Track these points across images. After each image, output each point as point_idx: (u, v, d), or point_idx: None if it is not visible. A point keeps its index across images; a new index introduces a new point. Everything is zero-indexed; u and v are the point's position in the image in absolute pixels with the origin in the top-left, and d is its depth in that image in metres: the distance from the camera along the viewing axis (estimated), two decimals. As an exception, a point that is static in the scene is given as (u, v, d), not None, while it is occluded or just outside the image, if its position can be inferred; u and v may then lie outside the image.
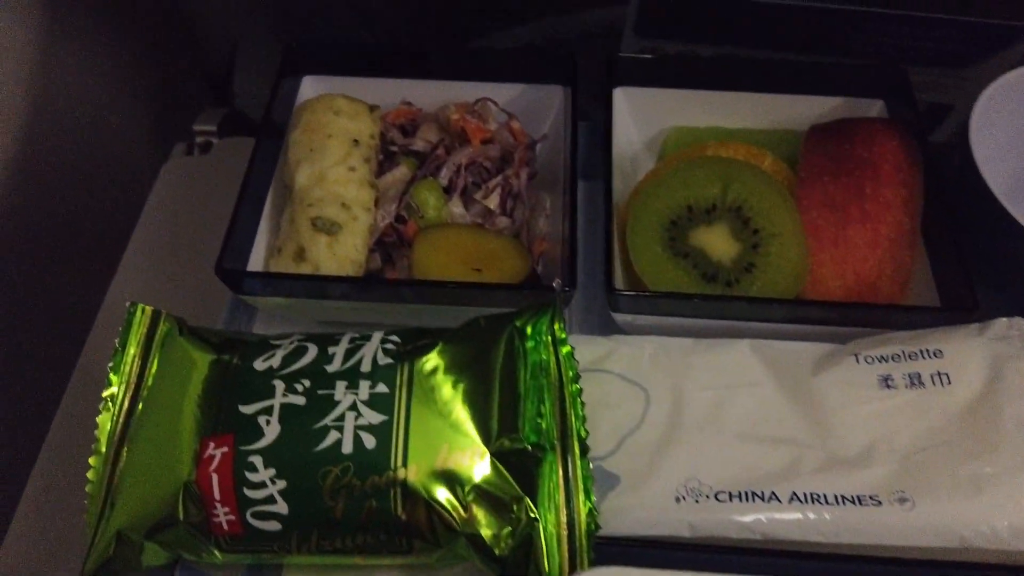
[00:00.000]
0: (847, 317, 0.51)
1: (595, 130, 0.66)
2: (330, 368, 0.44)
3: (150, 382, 0.47)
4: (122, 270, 0.64)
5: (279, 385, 0.44)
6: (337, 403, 0.43)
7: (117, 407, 0.47)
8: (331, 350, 0.45)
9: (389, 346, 0.45)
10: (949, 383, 0.46)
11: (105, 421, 0.46)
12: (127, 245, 0.65)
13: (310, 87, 0.64)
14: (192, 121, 0.76)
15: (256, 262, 0.55)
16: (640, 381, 0.49)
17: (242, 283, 0.51)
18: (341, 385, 0.43)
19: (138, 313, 0.49)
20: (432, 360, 0.44)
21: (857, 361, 0.48)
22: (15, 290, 0.66)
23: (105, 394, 0.47)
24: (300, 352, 0.45)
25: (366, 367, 0.44)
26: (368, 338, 0.46)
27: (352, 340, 0.45)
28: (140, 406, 0.47)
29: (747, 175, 0.55)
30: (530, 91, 0.64)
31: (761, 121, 0.64)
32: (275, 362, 0.45)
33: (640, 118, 0.65)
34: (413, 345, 0.45)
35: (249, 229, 0.55)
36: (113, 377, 0.47)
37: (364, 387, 0.43)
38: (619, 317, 0.53)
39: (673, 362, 0.50)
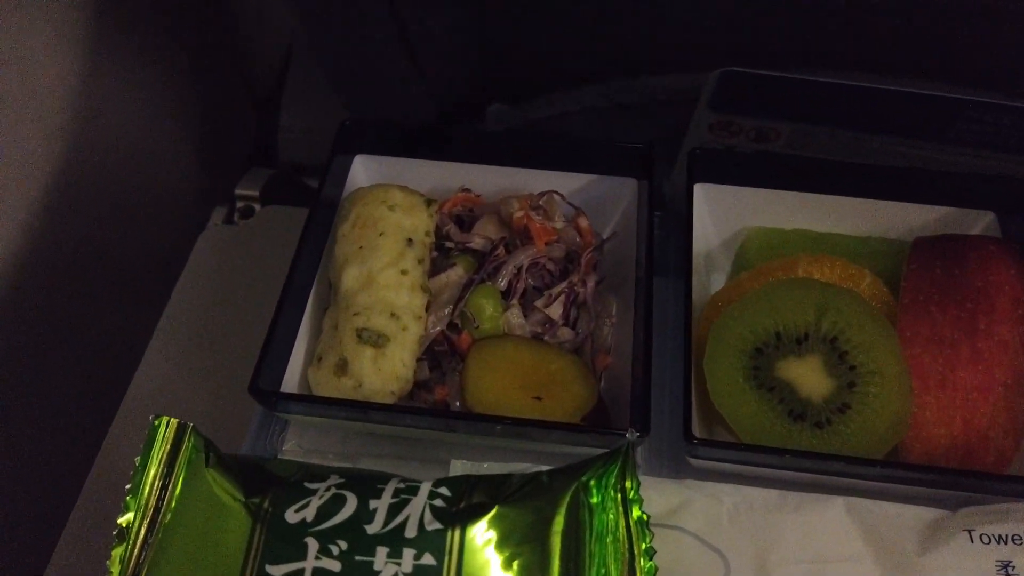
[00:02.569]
0: (959, 484, 0.45)
1: (660, 223, 0.61)
2: (370, 529, 0.39)
3: (169, 516, 0.43)
4: (150, 353, 0.59)
5: (312, 545, 0.38)
6: (377, 574, 0.37)
7: (133, 538, 0.42)
8: (372, 504, 0.40)
9: (438, 502, 0.40)
10: (1083, 578, 0.40)
11: (118, 554, 0.42)
12: (157, 322, 0.61)
13: (362, 168, 0.59)
14: (235, 182, 0.72)
15: (294, 367, 0.51)
16: (719, 546, 0.43)
17: (277, 404, 0.46)
18: (382, 552, 0.38)
19: (162, 428, 0.45)
20: (487, 527, 0.39)
21: (971, 539, 0.42)
22: (27, 385, 0.62)
23: (121, 520, 0.43)
24: (338, 503, 0.40)
25: (411, 531, 0.38)
26: (415, 490, 0.40)
27: (397, 493, 0.40)
28: (159, 536, 0.42)
29: (845, 302, 0.49)
30: (599, 183, 0.59)
31: (853, 227, 0.58)
32: (309, 514, 0.40)
33: (719, 215, 0.59)
34: (467, 503, 0.40)
35: (288, 336, 0.50)
36: (130, 501, 0.43)
37: (408, 557, 0.38)
38: (695, 461, 0.47)
39: (757, 523, 0.44)
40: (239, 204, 0.69)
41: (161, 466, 0.44)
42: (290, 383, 0.50)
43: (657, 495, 0.45)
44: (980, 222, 0.57)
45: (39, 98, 0.62)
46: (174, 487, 0.43)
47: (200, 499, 0.43)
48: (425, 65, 0.85)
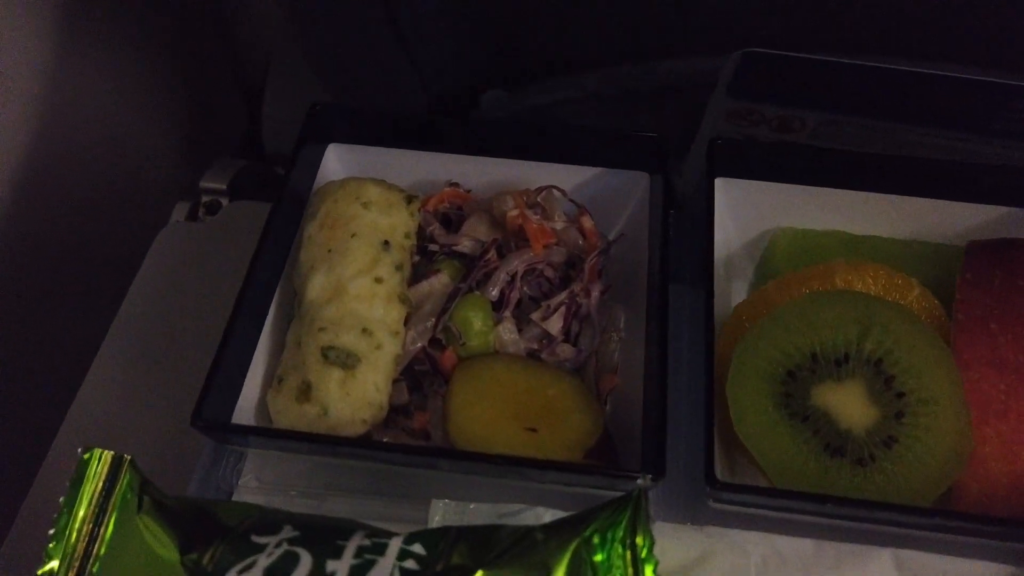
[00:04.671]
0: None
1: (674, 223, 0.54)
2: (327, 598, 0.32)
3: (97, 566, 0.36)
4: (95, 370, 0.52)
5: (256, 618, 0.32)
6: (333, 656, 0.31)
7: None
8: (331, 566, 0.33)
9: (409, 564, 0.33)
10: None
11: (39, 612, 0.36)
12: (104, 335, 0.54)
13: (336, 159, 0.52)
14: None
15: (252, 389, 0.44)
16: (746, 610, 0.36)
17: (226, 436, 0.40)
18: (340, 628, 0.31)
19: (94, 462, 0.38)
20: (468, 597, 0.32)
21: (1047, 605, 0.35)
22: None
23: (41, 572, 0.37)
24: (288, 564, 0.33)
25: (376, 602, 0.32)
26: (383, 549, 0.33)
27: (360, 552, 0.33)
28: None
29: (892, 318, 0.42)
30: (605, 177, 0.52)
31: (895, 229, 0.51)
32: (254, 578, 0.33)
33: (741, 214, 0.52)
34: (444, 565, 0.33)
35: (243, 355, 0.43)
36: (53, 548, 0.37)
37: (372, 635, 0.31)
38: (717, 504, 0.40)
39: (790, 581, 0.37)
40: (205, 199, 0.62)
41: (92, 507, 0.38)
42: (246, 408, 0.43)
43: (672, 544, 0.39)
44: (1041, 223, 0.50)
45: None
46: (105, 532, 0.37)
47: (132, 549, 0.37)
48: (416, 49, 0.79)
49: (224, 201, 0.63)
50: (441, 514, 0.41)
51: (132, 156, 0.78)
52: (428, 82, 0.81)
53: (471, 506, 0.41)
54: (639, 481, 0.36)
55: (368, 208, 0.45)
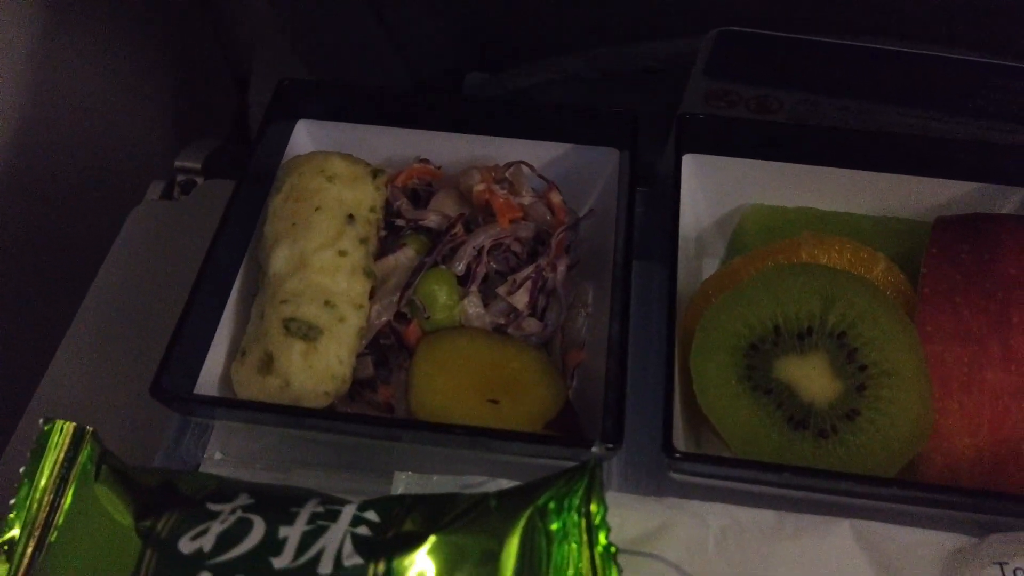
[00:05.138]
0: (988, 506, 0.38)
1: (648, 200, 0.54)
2: (278, 562, 0.32)
3: (55, 535, 0.36)
4: (66, 345, 0.52)
5: (206, 582, 0.32)
6: (282, 619, 0.31)
7: (18, 559, 0.36)
8: (283, 532, 0.33)
9: (362, 530, 0.33)
10: None
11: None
12: (76, 311, 0.54)
13: (306, 135, 0.52)
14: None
15: (216, 362, 0.44)
16: (703, 580, 0.36)
17: (186, 407, 0.40)
18: (289, 593, 0.31)
19: (55, 434, 0.38)
20: (420, 562, 0.32)
21: (1003, 574, 0.35)
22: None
23: (3, 538, 0.37)
24: (242, 530, 0.33)
25: (326, 566, 0.32)
26: (336, 515, 0.33)
27: (313, 518, 0.33)
28: (46, 558, 0.36)
29: (855, 291, 0.42)
30: (576, 153, 0.52)
31: (866, 205, 0.51)
32: (207, 543, 0.33)
33: (712, 191, 0.52)
34: (397, 531, 0.33)
35: (206, 327, 0.43)
36: (14, 517, 0.37)
37: (321, 599, 0.31)
38: (678, 476, 0.40)
39: (748, 551, 0.37)
40: (180, 178, 0.62)
41: (53, 478, 0.38)
42: (210, 381, 0.43)
43: (633, 516, 0.39)
44: (1011, 200, 0.50)
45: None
46: (64, 502, 0.37)
47: (90, 518, 0.37)
48: (399, 32, 0.78)
49: (199, 180, 0.63)
50: (404, 486, 0.41)
51: (119, 137, 0.77)
52: (412, 65, 0.81)
53: (434, 478, 0.41)
54: (594, 450, 0.36)
55: (333, 182, 0.45)
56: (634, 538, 0.38)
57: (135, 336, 0.52)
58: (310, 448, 0.44)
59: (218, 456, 0.44)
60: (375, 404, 0.44)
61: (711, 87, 0.60)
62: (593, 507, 0.34)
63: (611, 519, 0.38)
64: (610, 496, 0.40)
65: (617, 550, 0.33)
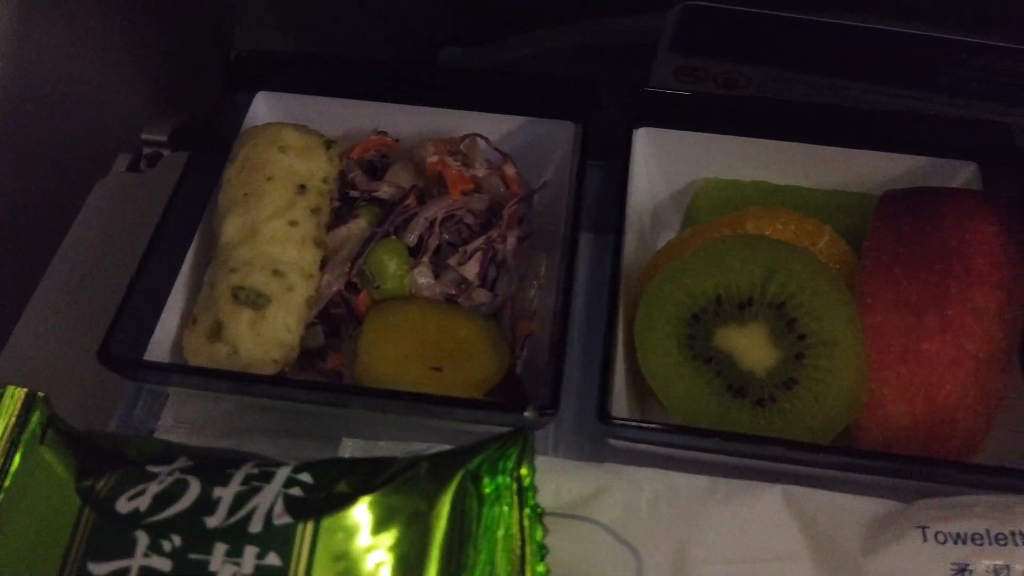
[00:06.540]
0: (916, 472, 0.39)
1: (611, 175, 0.54)
2: (210, 522, 0.33)
3: (2, 496, 0.37)
4: (28, 315, 0.53)
5: (142, 539, 0.33)
6: (213, 575, 0.32)
7: (-31, 520, 0.37)
8: (217, 492, 0.34)
9: (295, 491, 0.34)
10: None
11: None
12: (39, 281, 0.55)
13: (265, 107, 0.52)
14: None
15: (168, 329, 0.44)
16: (633, 540, 0.37)
17: (134, 372, 0.40)
18: (220, 549, 0.32)
19: (6, 399, 0.39)
20: (349, 522, 0.33)
21: (925, 538, 0.36)
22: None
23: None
24: (177, 490, 0.34)
25: (256, 525, 0.32)
26: (270, 477, 0.34)
27: (248, 479, 0.34)
28: None
29: (796, 262, 0.43)
30: (534, 126, 0.52)
31: (819, 179, 0.51)
32: (143, 503, 0.34)
33: (667, 165, 0.52)
34: (328, 492, 0.34)
35: (158, 294, 0.44)
36: (-37, 481, 0.38)
37: (250, 555, 0.32)
38: (616, 442, 0.41)
39: (679, 514, 0.38)
40: (147, 151, 0.63)
41: (3, 442, 0.39)
42: (162, 348, 0.44)
43: (571, 481, 0.39)
44: (961, 174, 0.50)
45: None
46: (11, 466, 0.38)
47: (36, 480, 0.37)
48: (375, 3, 0.78)
49: (166, 152, 0.63)
50: (350, 452, 0.41)
51: (89, 107, 0.77)
52: (392, 40, 0.81)
53: (381, 444, 0.42)
54: (527, 415, 0.37)
55: (285, 152, 0.46)
56: (570, 502, 0.39)
57: (97, 306, 0.53)
58: (261, 415, 0.45)
59: (170, 423, 0.45)
60: (325, 372, 0.45)
61: (679, 63, 0.60)
62: (523, 470, 0.35)
63: (549, 484, 0.39)
64: (550, 461, 0.41)
65: (544, 511, 0.34)
